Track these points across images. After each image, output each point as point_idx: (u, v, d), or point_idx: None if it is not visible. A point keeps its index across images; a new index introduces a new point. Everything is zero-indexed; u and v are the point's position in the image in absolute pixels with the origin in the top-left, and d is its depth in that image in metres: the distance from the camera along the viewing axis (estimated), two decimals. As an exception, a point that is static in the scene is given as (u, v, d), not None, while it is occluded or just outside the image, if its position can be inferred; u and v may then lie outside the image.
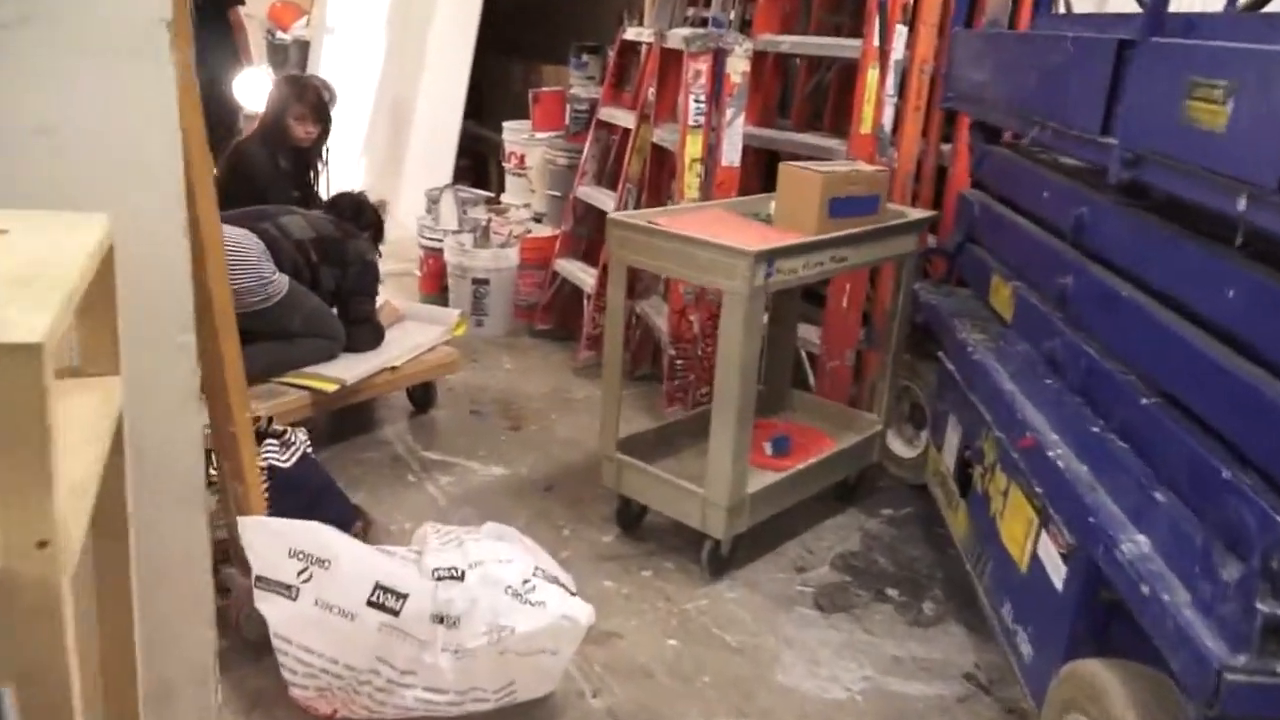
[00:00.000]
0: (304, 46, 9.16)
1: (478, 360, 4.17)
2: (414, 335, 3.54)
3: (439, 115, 6.23)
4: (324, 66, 8.41)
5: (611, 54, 4.44)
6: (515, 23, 6.35)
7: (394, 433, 3.44)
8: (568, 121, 4.82)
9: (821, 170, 2.68)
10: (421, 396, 3.59)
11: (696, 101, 3.40)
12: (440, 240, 4.65)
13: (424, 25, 6.51)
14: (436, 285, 4.76)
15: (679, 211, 2.78)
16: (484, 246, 4.50)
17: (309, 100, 3.68)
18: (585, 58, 5.07)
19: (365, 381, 3.21)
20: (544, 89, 5.19)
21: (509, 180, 5.46)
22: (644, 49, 4.22)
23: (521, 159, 5.28)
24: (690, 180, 3.45)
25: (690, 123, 3.41)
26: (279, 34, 10.38)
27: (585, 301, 4.18)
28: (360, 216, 3.50)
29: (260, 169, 3.71)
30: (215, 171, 3.87)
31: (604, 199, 4.12)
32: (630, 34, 4.17)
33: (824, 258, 2.59)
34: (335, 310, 3.30)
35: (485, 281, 4.41)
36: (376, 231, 3.58)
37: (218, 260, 2.05)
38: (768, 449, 2.95)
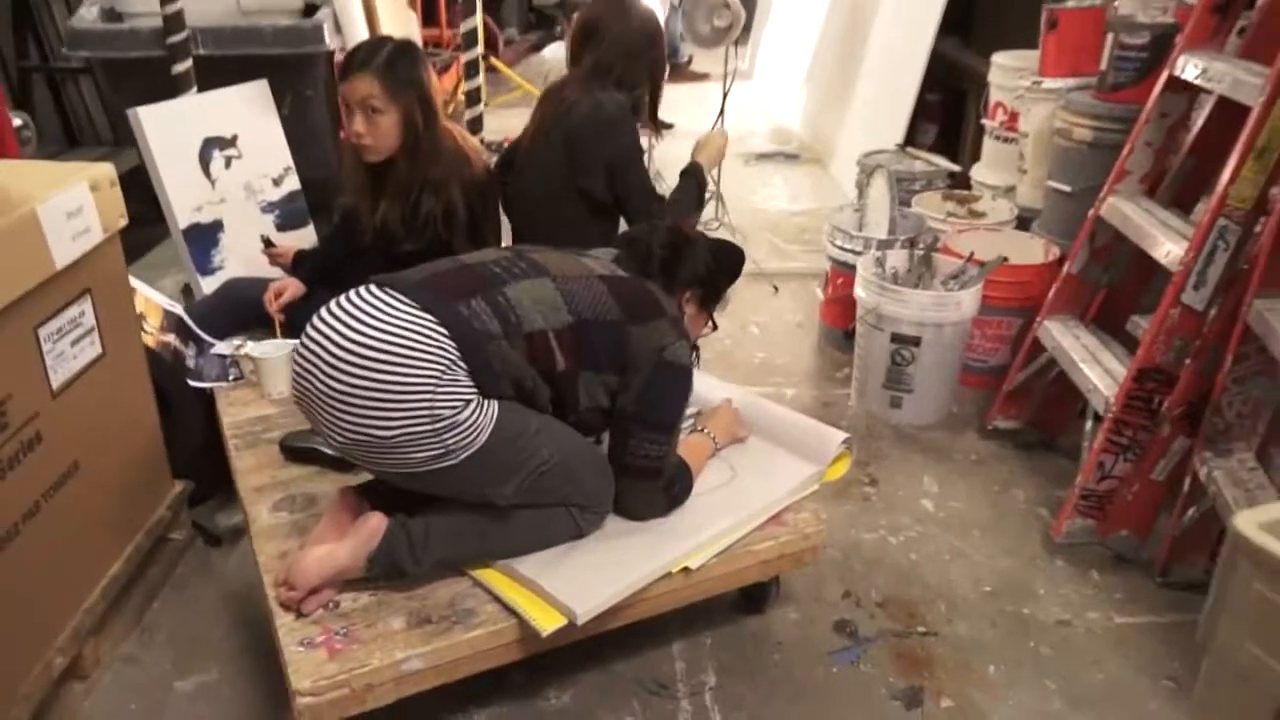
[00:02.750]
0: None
1: (878, 480, 2.50)
2: (751, 485, 1.96)
3: (903, 31, 4.38)
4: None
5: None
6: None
7: (687, 661, 1.92)
8: (1105, 66, 2.79)
9: None
10: (754, 584, 2.03)
11: None
12: (857, 252, 2.96)
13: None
14: (845, 319, 3.10)
15: None
16: (921, 282, 2.74)
17: None
18: (1153, -52, 2.92)
19: (635, 597, 1.73)
20: (1069, 4, 3.13)
21: (988, 146, 3.55)
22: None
23: (1013, 117, 3.34)
24: None
25: None
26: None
27: (1089, 417, 2.29)
28: (677, 270, 1.91)
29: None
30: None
31: (1155, 234, 2.15)
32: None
33: None
34: (604, 443, 1.83)
35: (913, 341, 2.66)
36: (708, 294, 1.98)
37: None
38: None
